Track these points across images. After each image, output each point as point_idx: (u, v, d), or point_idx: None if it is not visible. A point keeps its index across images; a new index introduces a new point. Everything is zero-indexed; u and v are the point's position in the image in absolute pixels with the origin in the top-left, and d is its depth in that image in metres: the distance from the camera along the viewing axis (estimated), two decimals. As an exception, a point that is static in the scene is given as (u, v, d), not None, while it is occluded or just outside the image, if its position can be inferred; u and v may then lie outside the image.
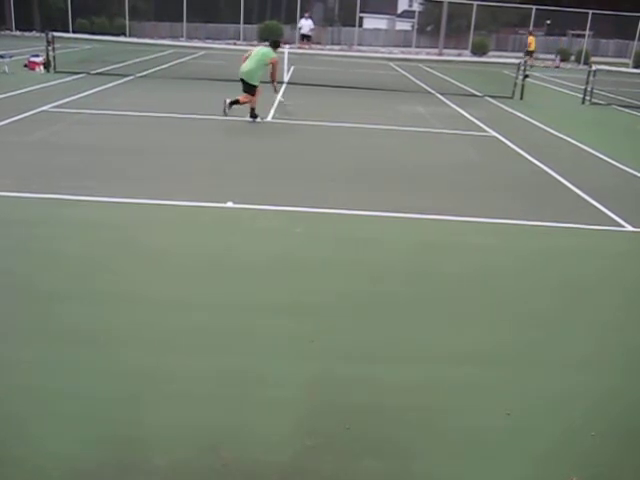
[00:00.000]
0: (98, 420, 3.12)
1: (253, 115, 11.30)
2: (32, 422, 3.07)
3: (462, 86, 20.09)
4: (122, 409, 3.21)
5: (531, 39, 30.40)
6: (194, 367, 3.61)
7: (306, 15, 32.06)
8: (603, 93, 18.85)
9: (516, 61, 18.51)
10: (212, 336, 3.96)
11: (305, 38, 31.64)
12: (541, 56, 37.39)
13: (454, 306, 4.59)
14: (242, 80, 11.14)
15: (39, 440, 2.95)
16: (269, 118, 11.99)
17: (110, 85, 15.24)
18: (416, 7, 44.89)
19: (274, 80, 11.49)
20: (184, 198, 6.57)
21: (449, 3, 37.85)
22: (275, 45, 11.47)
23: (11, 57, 17.46)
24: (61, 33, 19.61)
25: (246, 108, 11.27)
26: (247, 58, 11.15)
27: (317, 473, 2.86)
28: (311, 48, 28.63)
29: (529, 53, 29.88)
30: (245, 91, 11.18)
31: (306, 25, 31.27)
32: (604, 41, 42.03)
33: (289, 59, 17.94)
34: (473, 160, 9.55)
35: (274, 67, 11.28)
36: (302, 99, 14.60)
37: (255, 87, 11.09)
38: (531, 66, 27.96)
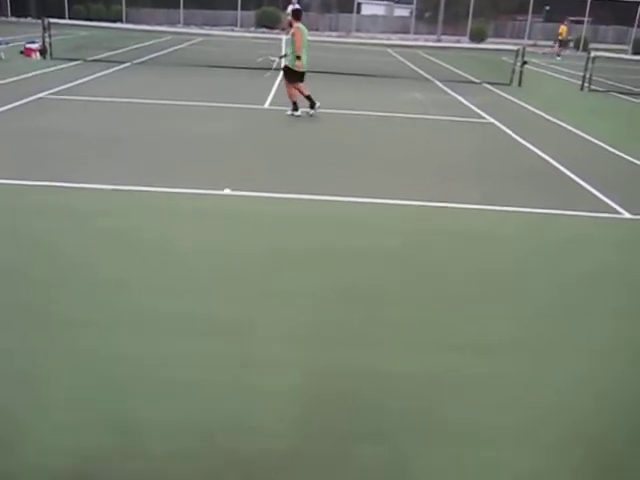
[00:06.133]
0: (95, 407, 3.12)
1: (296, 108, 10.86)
2: (29, 412, 3.07)
3: (460, 73, 20.02)
4: (120, 398, 3.21)
5: (562, 28, 30.42)
6: (192, 355, 3.61)
7: (293, 1, 31.86)
8: (602, 80, 18.80)
9: (514, 47, 18.45)
10: (210, 324, 3.96)
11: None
12: (540, 43, 37.32)
13: (457, 296, 4.58)
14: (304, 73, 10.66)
15: (35, 429, 2.95)
16: (266, 105, 11.95)
17: (107, 72, 15.17)
18: (414, -7, 44.62)
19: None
20: (181, 185, 6.56)
21: (448, -11, 37.70)
22: (301, 16, 10.76)
23: (7, 44, 17.40)
24: (57, 19, 19.49)
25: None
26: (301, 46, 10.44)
27: (315, 459, 2.87)
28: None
29: (561, 43, 30.11)
30: (299, 80, 10.66)
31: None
32: (603, 27, 41.91)
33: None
34: (471, 147, 9.54)
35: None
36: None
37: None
38: (558, 55, 28.41)
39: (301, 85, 10.73)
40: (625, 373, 3.76)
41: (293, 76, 10.66)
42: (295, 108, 10.82)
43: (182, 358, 3.58)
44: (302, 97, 10.76)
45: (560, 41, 30.50)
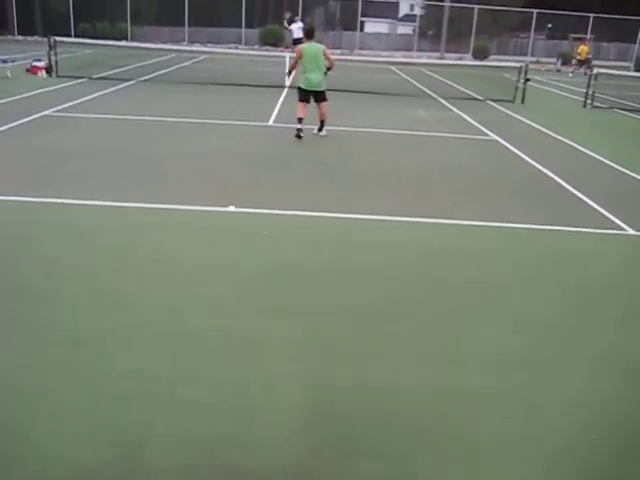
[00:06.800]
0: (99, 423, 3.11)
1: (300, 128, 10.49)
2: (34, 426, 3.07)
3: (463, 90, 20.10)
4: (123, 413, 3.21)
5: (582, 48, 30.21)
6: (195, 371, 3.61)
7: (296, 19, 32.00)
8: (604, 97, 18.85)
9: (517, 65, 18.52)
10: (212, 341, 3.96)
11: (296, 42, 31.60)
12: (542, 60, 37.48)
13: (457, 312, 4.58)
14: (311, 92, 10.45)
15: (41, 444, 2.95)
16: (270, 122, 12.01)
17: (112, 89, 15.27)
18: (417, 11, 44.94)
19: (331, 68, 10.64)
20: (185, 202, 6.58)
21: (450, 7, 37.94)
22: (313, 34, 10.64)
23: (13, 62, 17.53)
24: (63, 37, 19.66)
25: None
26: (300, 64, 10.41)
27: (317, 476, 2.86)
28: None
29: (581, 62, 29.85)
30: (320, 100, 10.53)
31: (297, 29, 31.29)
32: (605, 44, 42.08)
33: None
34: (475, 164, 9.56)
35: (329, 57, 10.46)
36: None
37: (325, 92, 10.55)
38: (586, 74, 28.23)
39: (300, 104, 10.60)
40: (627, 387, 3.75)
41: (299, 94, 10.71)
42: (320, 127, 10.78)
43: (183, 374, 3.57)
44: (321, 116, 10.67)
45: (579, 60, 30.37)
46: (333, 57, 10.69)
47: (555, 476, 2.97)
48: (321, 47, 10.47)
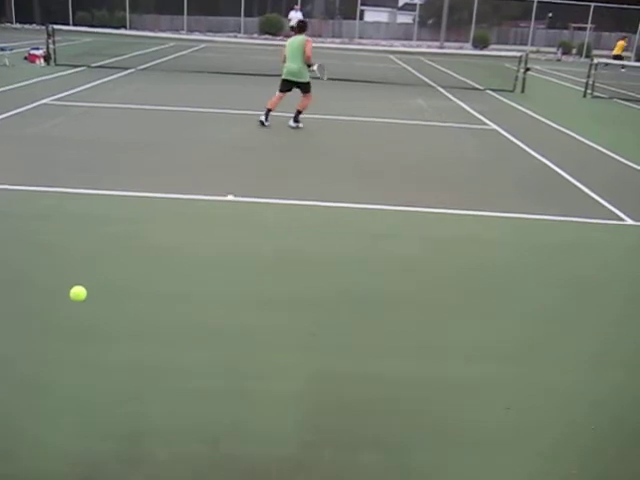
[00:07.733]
0: (99, 415, 3.11)
1: (267, 116, 10.39)
2: (32, 418, 3.07)
3: (463, 79, 20.04)
4: (123, 403, 3.21)
5: (621, 43, 29.63)
6: (195, 362, 3.61)
7: (296, 8, 31.85)
8: (605, 87, 18.80)
9: (517, 54, 18.45)
10: (213, 331, 3.96)
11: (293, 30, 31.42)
12: (542, 49, 37.35)
13: (457, 301, 4.58)
14: (291, 82, 10.34)
15: (40, 436, 2.95)
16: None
17: (111, 78, 15.22)
18: (417, 0, 44.73)
19: (309, 64, 10.40)
20: (185, 191, 6.57)
21: (450, -4, 37.75)
22: (302, 29, 10.48)
23: (11, 50, 17.47)
24: (61, 26, 19.56)
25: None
26: (286, 57, 10.38)
27: (317, 467, 2.86)
28: None
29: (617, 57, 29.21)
30: (304, 92, 10.40)
31: (295, 17, 31.15)
32: (606, 34, 41.91)
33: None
34: (473, 153, 9.54)
35: (305, 49, 10.17)
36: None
37: (309, 83, 10.39)
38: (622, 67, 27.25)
39: (277, 94, 10.47)
40: (627, 377, 3.75)
41: (280, 84, 10.55)
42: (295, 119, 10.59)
43: (186, 365, 3.57)
44: (302, 106, 10.53)
45: (614, 55, 29.69)
46: (310, 51, 10.25)
47: (555, 466, 2.98)
48: (303, 40, 10.31)
